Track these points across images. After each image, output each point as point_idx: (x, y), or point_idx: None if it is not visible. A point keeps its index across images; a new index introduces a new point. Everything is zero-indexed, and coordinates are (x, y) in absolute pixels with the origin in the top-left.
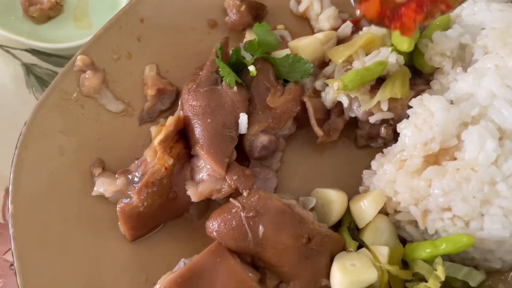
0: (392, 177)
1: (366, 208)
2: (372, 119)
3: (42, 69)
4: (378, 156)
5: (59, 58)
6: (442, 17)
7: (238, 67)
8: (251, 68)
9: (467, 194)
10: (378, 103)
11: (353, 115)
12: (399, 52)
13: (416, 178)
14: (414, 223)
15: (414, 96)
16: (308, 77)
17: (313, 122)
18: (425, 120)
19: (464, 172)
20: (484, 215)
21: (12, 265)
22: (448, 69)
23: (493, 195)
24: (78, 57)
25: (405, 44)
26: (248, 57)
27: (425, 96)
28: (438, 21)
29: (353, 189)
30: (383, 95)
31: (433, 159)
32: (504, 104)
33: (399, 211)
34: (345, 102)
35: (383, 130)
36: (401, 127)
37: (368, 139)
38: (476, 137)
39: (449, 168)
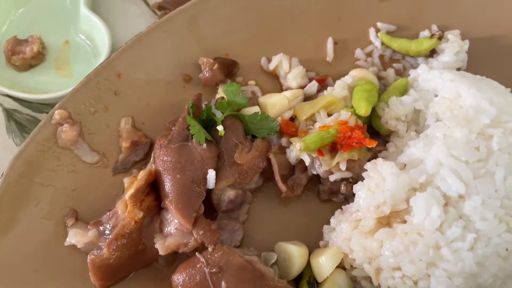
0: (348, 236)
1: (324, 264)
2: (331, 178)
3: (23, 115)
4: (337, 213)
5: (40, 105)
6: (399, 81)
7: (209, 123)
8: (220, 128)
9: (414, 256)
10: (338, 163)
11: (315, 173)
12: (358, 116)
13: (369, 238)
14: (369, 278)
15: (371, 157)
16: (274, 134)
17: (277, 178)
18: (377, 184)
19: (411, 236)
20: (430, 276)
21: None
22: (403, 133)
23: (438, 259)
24: (56, 111)
25: (362, 109)
26: (218, 114)
27: (378, 161)
28: (395, 85)
29: (315, 241)
30: (342, 157)
31: (386, 220)
32: (449, 173)
33: (355, 268)
34: (307, 161)
35: (343, 187)
36: (356, 188)
37: (330, 194)
38: (423, 203)
39: (399, 231)
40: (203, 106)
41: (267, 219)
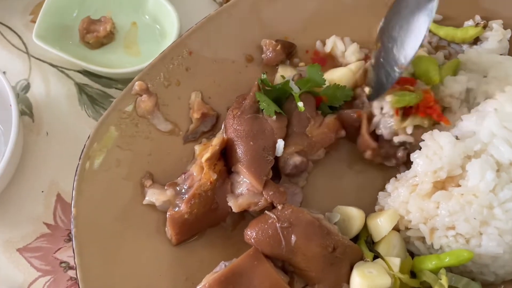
0: (405, 199)
1: (382, 224)
2: (396, 139)
3: (93, 89)
4: (392, 180)
5: (109, 80)
6: (452, 61)
7: (283, 96)
8: (300, 104)
9: (469, 215)
10: (405, 126)
11: (379, 132)
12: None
13: (426, 200)
14: (422, 239)
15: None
16: (349, 99)
17: (365, 135)
18: (435, 152)
19: (467, 197)
20: (482, 234)
21: (62, 262)
22: (456, 109)
23: (491, 218)
24: (136, 82)
25: (433, 77)
26: (295, 88)
27: (435, 131)
28: (448, 65)
29: (368, 207)
30: (414, 121)
31: (441, 185)
32: (502, 142)
33: (410, 228)
34: (377, 116)
35: (401, 152)
36: (414, 156)
37: (384, 158)
38: (478, 168)
39: (455, 193)
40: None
41: (323, 186)
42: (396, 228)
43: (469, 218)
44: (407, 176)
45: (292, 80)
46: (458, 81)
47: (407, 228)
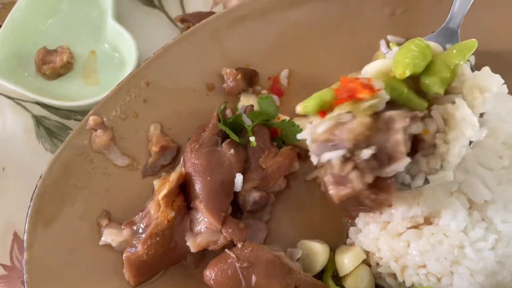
0: (376, 236)
1: (346, 262)
2: (324, 157)
3: (51, 121)
4: (362, 214)
5: (67, 111)
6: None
7: (236, 130)
8: (252, 139)
9: (440, 255)
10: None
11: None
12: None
13: (396, 239)
14: (394, 275)
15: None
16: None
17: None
18: (414, 197)
19: (437, 236)
20: (453, 273)
21: None
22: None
23: (462, 257)
24: (91, 117)
25: (399, 69)
26: (247, 121)
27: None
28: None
29: (335, 238)
30: (333, 115)
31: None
32: (476, 181)
33: (381, 265)
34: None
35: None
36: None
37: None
38: (450, 208)
39: (425, 232)
40: (227, 114)
41: (289, 219)
42: (367, 263)
43: (440, 258)
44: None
45: (244, 112)
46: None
47: (378, 265)
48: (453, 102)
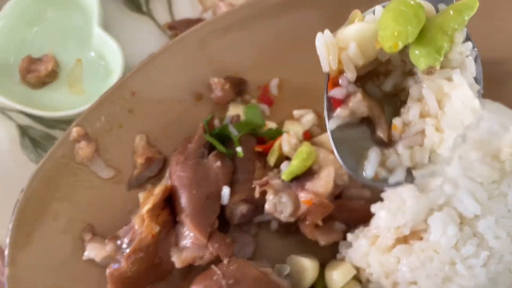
0: (366, 251)
1: (336, 278)
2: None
3: (36, 131)
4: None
5: (52, 121)
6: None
7: (224, 139)
8: (238, 150)
9: (430, 272)
10: None
11: None
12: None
13: (386, 254)
14: None
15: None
16: None
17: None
18: (398, 206)
19: (428, 252)
20: None
21: None
22: None
23: (453, 274)
24: (74, 128)
25: (388, 41)
26: (233, 131)
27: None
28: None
29: (325, 253)
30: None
31: (402, 237)
32: (466, 194)
33: (371, 281)
34: None
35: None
36: (376, 207)
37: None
38: (440, 223)
39: (415, 248)
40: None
41: (277, 232)
42: (358, 278)
43: (431, 275)
44: (368, 227)
45: (231, 122)
46: None
47: (368, 281)
48: (450, 79)
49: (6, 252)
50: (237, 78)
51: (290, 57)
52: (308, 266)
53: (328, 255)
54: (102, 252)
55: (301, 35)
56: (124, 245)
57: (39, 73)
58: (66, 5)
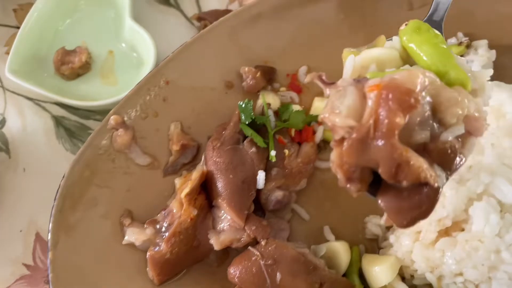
0: (409, 248)
1: (380, 276)
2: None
3: (71, 121)
4: (391, 229)
5: (86, 111)
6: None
7: (258, 127)
8: (272, 153)
9: (476, 261)
10: None
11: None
12: None
13: (430, 249)
14: (429, 286)
15: None
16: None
17: None
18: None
19: (472, 243)
20: (492, 279)
21: None
22: None
23: (499, 262)
24: (112, 117)
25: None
26: (272, 119)
27: None
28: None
29: (357, 235)
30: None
31: (444, 230)
32: (503, 181)
33: (415, 277)
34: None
35: None
36: None
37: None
38: (481, 212)
39: (459, 240)
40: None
41: (311, 216)
42: (401, 274)
43: (477, 265)
44: None
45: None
46: None
47: (412, 277)
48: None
49: (49, 237)
50: (267, 67)
51: (318, 45)
52: (339, 249)
53: (357, 237)
54: (141, 236)
55: (328, 23)
56: (163, 229)
57: (73, 65)
58: None
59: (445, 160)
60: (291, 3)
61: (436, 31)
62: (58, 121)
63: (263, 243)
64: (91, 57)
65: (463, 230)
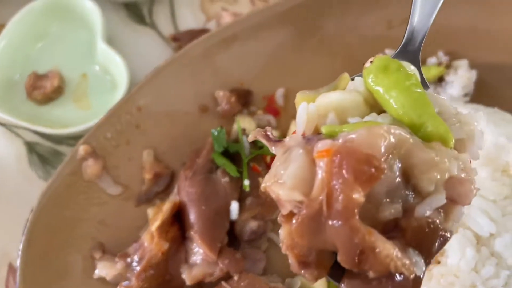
0: None
1: None
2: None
3: (44, 147)
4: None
5: (59, 136)
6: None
7: (231, 155)
8: (246, 183)
9: None
10: None
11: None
12: None
13: None
14: None
15: None
16: None
17: None
18: None
19: (448, 278)
20: None
21: None
22: None
23: None
24: (81, 146)
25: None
26: (247, 145)
27: None
28: None
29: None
30: None
31: None
32: (479, 213)
33: None
34: None
35: None
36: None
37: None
38: (457, 245)
39: (435, 273)
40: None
41: None
42: None
43: None
44: None
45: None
46: None
47: None
48: None
49: (17, 273)
50: (242, 90)
51: (295, 66)
52: (316, 283)
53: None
54: (112, 270)
55: (306, 44)
56: (134, 263)
57: (45, 89)
58: (69, 20)
59: (423, 240)
60: (267, 24)
61: (410, 68)
62: (31, 147)
63: (236, 277)
64: (63, 81)
65: (439, 262)
